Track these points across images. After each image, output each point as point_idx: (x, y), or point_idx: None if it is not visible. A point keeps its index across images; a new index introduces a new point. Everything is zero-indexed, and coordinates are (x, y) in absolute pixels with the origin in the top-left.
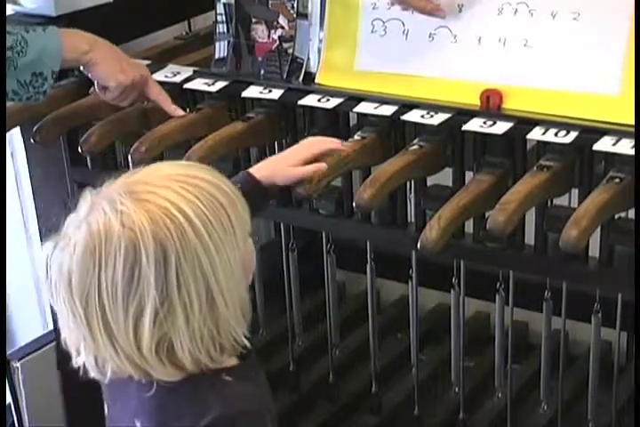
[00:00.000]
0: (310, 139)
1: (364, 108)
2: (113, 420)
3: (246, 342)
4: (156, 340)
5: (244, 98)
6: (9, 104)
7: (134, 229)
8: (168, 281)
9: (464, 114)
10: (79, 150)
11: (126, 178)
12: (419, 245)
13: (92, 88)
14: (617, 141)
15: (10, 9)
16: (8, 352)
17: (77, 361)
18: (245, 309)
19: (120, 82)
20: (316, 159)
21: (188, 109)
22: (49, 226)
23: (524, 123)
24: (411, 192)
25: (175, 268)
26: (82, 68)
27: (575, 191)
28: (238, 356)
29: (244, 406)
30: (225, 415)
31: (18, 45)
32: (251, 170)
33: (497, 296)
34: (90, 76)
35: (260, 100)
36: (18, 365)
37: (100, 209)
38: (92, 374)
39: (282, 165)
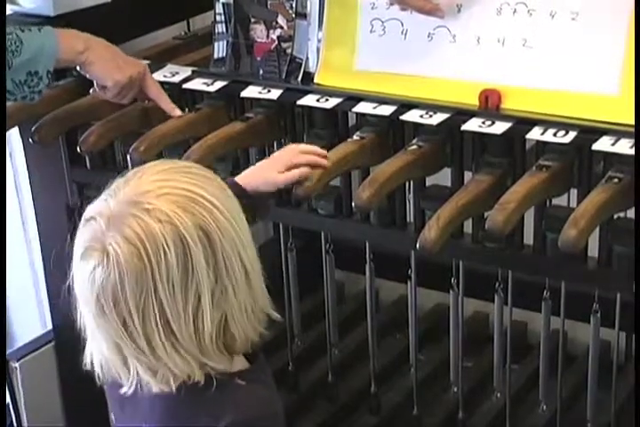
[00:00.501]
0: (293, 146)
1: (362, 108)
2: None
3: (277, 315)
4: (215, 325)
5: (242, 98)
6: (7, 104)
7: (173, 221)
8: (217, 262)
9: (463, 114)
10: (78, 150)
11: (125, 185)
12: (418, 246)
13: (92, 88)
14: (616, 141)
15: (8, 9)
16: (7, 352)
17: (131, 388)
18: (263, 283)
19: (117, 80)
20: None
21: (187, 109)
22: (48, 226)
23: (523, 123)
24: (410, 192)
25: (220, 248)
26: (78, 67)
27: (574, 191)
28: (247, 357)
29: (257, 409)
30: (239, 420)
31: (12, 44)
32: (235, 178)
33: (496, 296)
34: (87, 75)
35: (258, 100)
36: (17, 365)
37: (127, 215)
38: (155, 388)
39: (266, 172)
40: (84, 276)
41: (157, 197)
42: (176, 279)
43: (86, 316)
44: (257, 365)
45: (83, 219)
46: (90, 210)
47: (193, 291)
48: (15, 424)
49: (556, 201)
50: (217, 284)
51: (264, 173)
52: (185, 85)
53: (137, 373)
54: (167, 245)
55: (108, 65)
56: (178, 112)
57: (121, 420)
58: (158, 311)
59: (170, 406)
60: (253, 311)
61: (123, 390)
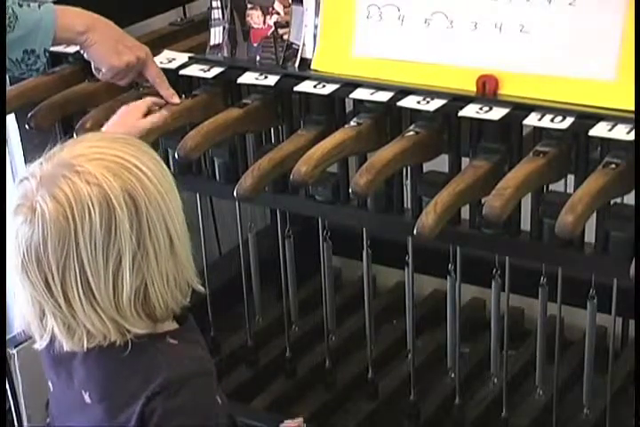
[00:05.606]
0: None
1: (359, 94)
2: (58, 397)
3: (201, 288)
4: (134, 289)
5: (239, 84)
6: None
7: (101, 184)
8: (141, 227)
9: (460, 100)
10: (74, 136)
11: (62, 149)
12: (415, 232)
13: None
14: (613, 127)
15: None
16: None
17: (42, 344)
18: (191, 253)
19: (112, 66)
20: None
21: (183, 96)
22: None
23: (520, 108)
24: (407, 178)
25: (145, 214)
26: (79, 47)
27: (571, 177)
28: (177, 320)
29: (190, 367)
30: (173, 378)
31: (6, 20)
32: (102, 129)
33: (493, 282)
34: (85, 56)
35: (255, 86)
36: (14, 351)
37: (58, 176)
38: (67, 346)
39: (128, 120)
40: (12, 231)
41: (89, 160)
42: (98, 240)
43: (12, 271)
44: (187, 326)
45: (18, 179)
46: (24, 171)
47: (115, 252)
48: (13, 410)
49: (553, 187)
50: (139, 248)
51: (128, 122)
52: (181, 72)
53: (52, 330)
54: (93, 206)
55: (106, 49)
56: (176, 99)
57: (58, 386)
58: (79, 270)
59: (108, 371)
60: (176, 281)
61: (35, 346)
